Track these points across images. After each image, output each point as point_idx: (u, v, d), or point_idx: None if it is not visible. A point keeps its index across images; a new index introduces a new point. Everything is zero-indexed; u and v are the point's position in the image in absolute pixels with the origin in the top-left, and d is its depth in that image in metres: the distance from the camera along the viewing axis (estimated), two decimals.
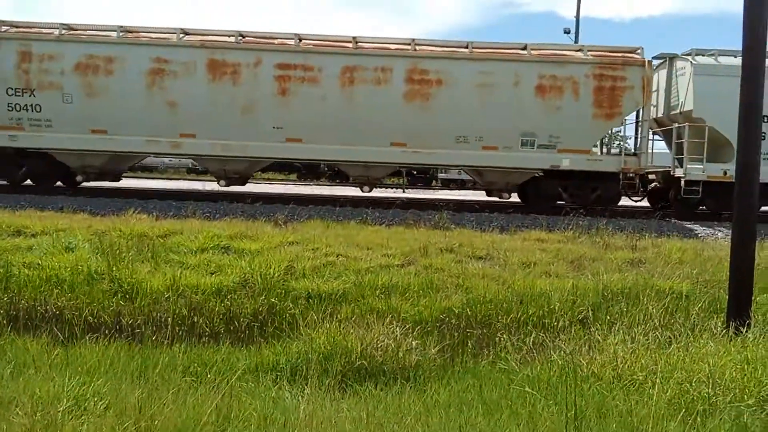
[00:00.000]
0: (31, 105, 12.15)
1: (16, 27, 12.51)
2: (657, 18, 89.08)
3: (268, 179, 24.11)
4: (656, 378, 3.80)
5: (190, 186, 18.10)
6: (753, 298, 5.07)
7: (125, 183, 17.79)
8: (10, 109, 12.16)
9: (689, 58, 12.29)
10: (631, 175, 12.35)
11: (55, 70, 12.12)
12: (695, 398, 3.59)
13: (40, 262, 6.71)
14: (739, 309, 4.92)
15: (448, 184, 28.65)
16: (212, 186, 17.43)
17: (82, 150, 12.40)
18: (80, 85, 12.11)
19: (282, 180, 25.39)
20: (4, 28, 12.32)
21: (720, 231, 10.42)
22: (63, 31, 12.22)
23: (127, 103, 12.08)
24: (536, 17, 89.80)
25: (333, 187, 15.16)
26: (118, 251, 6.92)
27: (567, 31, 28.79)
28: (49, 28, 12.51)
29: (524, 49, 12.33)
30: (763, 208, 10.24)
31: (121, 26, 12.37)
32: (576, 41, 26.66)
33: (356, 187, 14.05)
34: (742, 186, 5.00)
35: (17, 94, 12.15)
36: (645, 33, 78.12)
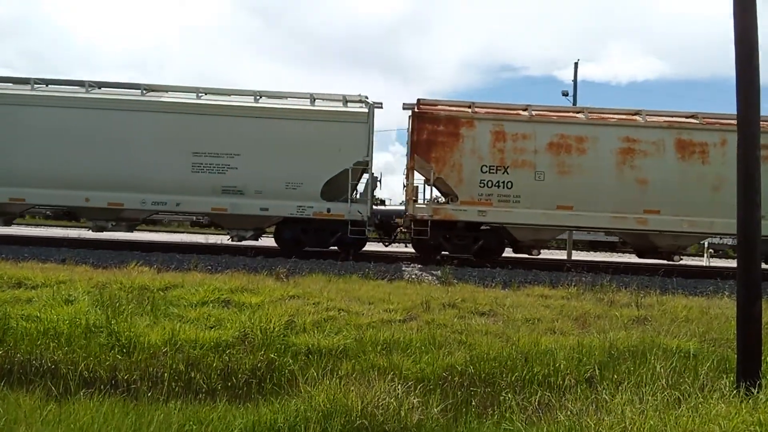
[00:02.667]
0: (503, 182, 12.62)
1: (486, 108, 13.19)
2: (652, 81, 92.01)
3: (271, 233, 24.18)
4: None
5: (193, 239, 18.15)
6: (763, 357, 4.96)
7: (129, 236, 17.86)
8: (482, 185, 12.62)
9: None
10: None
11: (529, 148, 12.63)
12: None
13: (38, 315, 6.65)
14: (748, 369, 4.81)
15: None
16: (215, 239, 17.48)
17: (541, 225, 12.73)
18: (552, 163, 12.61)
19: None
20: (477, 110, 12.97)
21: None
22: (533, 113, 12.84)
23: (597, 180, 12.52)
24: (535, 80, 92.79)
25: None
26: (117, 304, 6.87)
27: (565, 94, 29.60)
28: (514, 109, 13.18)
29: None
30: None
31: (586, 107, 13.08)
32: (574, 103, 27.33)
33: None
34: (745, 244, 4.99)
35: (491, 171, 12.63)
36: (640, 96, 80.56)
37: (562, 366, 5.64)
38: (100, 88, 13.45)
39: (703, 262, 18.67)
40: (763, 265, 5.35)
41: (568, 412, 4.44)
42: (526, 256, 13.80)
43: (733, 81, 5.10)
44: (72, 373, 5.57)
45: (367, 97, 13.30)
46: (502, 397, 5.18)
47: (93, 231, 13.94)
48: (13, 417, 4.43)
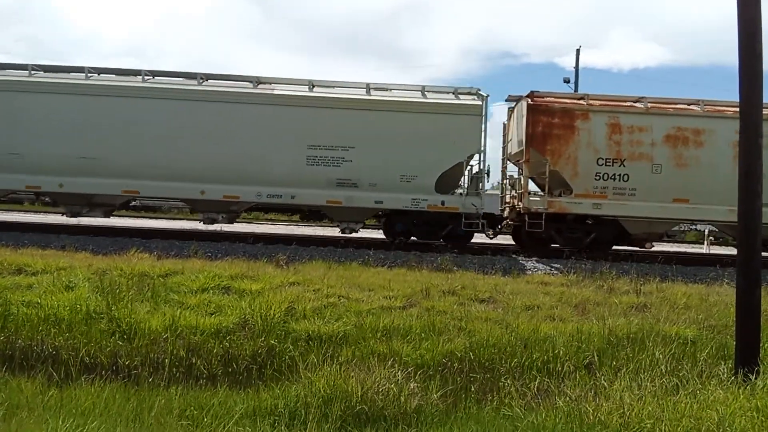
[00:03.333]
0: (619, 174, 12.47)
1: (600, 100, 13.03)
2: (653, 69, 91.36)
3: (271, 220, 24.16)
4: (664, 426, 3.70)
5: (194, 226, 18.13)
6: (761, 344, 4.98)
7: (128, 222, 17.87)
8: (598, 178, 12.50)
9: None
10: None
11: (645, 141, 12.48)
12: None
13: (39, 301, 6.66)
14: (747, 356, 4.83)
15: None
16: (215, 226, 17.47)
17: (656, 218, 12.62)
18: (670, 156, 12.47)
19: (285, 221, 25.45)
20: (591, 102, 12.73)
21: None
22: (648, 105, 12.70)
23: (714, 173, 12.32)
24: (536, 67, 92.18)
25: (335, 229, 15.22)
26: (118, 290, 6.89)
27: (567, 81, 29.49)
28: (627, 100, 12.99)
29: None
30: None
31: (701, 99, 12.81)
32: (576, 90, 27.21)
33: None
34: (746, 233, 4.99)
35: (607, 164, 12.50)
36: (642, 83, 79.94)
37: (561, 352, 5.67)
38: (207, 80, 13.27)
39: (703, 249, 18.68)
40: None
41: (567, 398, 4.48)
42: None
43: (735, 68, 5.07)
44: (73, 359, 5.59)
45: (479, 90, 13.19)
46: (501, 383, 5.21)
47: (204, 223, 13.91)
48: (15, 402, 4.46)
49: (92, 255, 9.61)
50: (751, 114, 5.02)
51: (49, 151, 12.78)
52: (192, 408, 4.56)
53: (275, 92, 13.12)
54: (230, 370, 5.63)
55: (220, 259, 9.66)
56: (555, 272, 10.19)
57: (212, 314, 6.62)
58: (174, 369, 5.55)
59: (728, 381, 4.61)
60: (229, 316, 6.52)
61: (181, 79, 13.41)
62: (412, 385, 4.85)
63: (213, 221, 13.62)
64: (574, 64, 30.37)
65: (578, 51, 30.42)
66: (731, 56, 4.95)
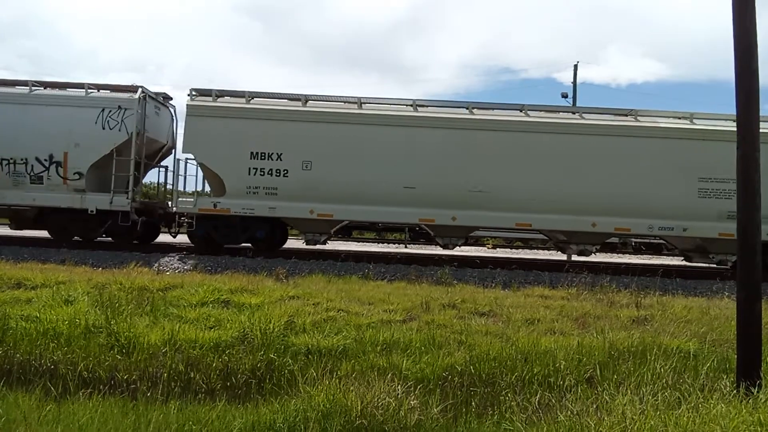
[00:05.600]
0: None
1: None
2: (651, 84, 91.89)
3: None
4: None
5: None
6: (762, 358, 4.95)
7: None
8: None
9: None
10: None
11: None
12: None
13: (38, 315, 6.65)
14: (748, 369, 4.80)
15: None
16: None
17: None
18: None
19: None
20: None
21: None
22: None
23: None
24: (535, 83, 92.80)
25: (334, 242, 15.25)
26: (117, 304, 6.87)
27: (565, 96, 29.76)
28: None
29: None
30: None
31: None
32: (573, 104, 27.40)
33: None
34: (745, 244, 4.99)
35: None
36: (640, 98, 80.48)
37: (562, 366, 5.63)
38: (583, 113, 13.31)
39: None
40: None
41: (569, 413, 4.44)
42: (524, 255, 13.78)
43: (732, 82, 5.10)
44: (71, 373, 5.56)
45: None
46: (502, 398, 5.17)
47: (577, 255, 13.82)
48: (11, 417, 4.43)
49: (92, 269, 9.60)
50: (749, 128, 5.04)
51: (442, 184, 12.78)
52: (190, 423, 4.52)
53: (660, 125, 13.06)
54: (229, 384, 5.60)
55: (220, 273, 9.66)
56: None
57: (211, 328, 6.59)
58: (172, 383, 5.52)
59: (730, 395, 4.58)
60: (228, 330, 6.49)
61: (565, 112, 13.34)
62: (412, 399, 4.82)
63: (588, 253, 13.57)
64: (572, 79, 30.68)
65: (576, 66, 30.76)
66: (729, 71, 5.01)
